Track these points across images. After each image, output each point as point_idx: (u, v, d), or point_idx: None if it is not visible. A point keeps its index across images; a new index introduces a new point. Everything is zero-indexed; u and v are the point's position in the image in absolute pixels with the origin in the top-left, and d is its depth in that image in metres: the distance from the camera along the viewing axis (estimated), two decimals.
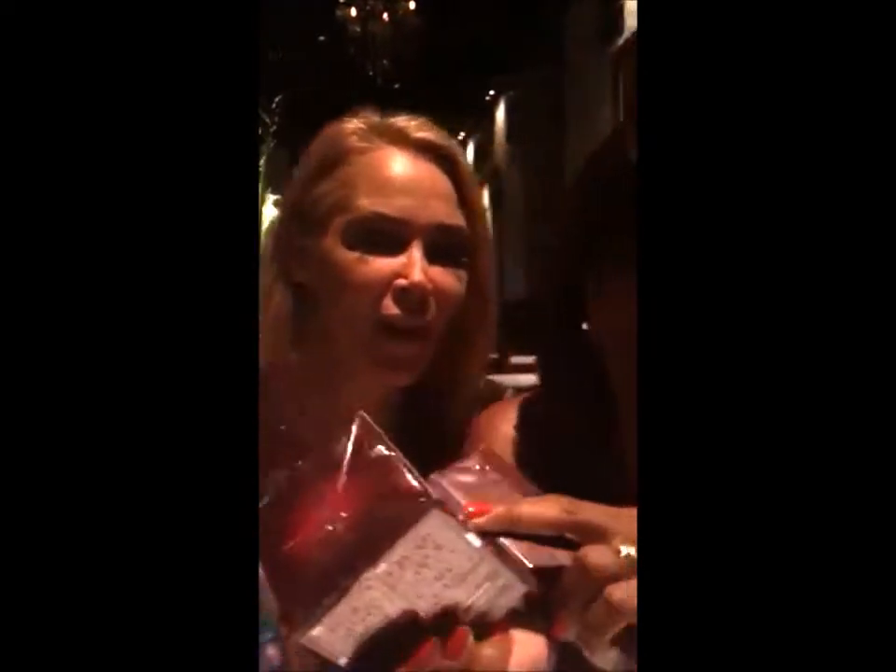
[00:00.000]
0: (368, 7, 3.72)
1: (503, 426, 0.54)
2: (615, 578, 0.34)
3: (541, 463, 0.50)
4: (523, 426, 0.54)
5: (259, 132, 2.45)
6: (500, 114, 6.19)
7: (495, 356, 0.68)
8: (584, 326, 0.49)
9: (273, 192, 2.55)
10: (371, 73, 4.02)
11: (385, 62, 4.00)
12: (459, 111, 6.73)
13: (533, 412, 0.54)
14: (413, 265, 0.50)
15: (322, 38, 4.27)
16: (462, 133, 7.53)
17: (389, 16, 3.79)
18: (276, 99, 2.71)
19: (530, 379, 0.57)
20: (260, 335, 0.53)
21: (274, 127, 2.61)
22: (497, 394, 0.62)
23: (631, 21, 3.70)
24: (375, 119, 0.58)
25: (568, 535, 0.37)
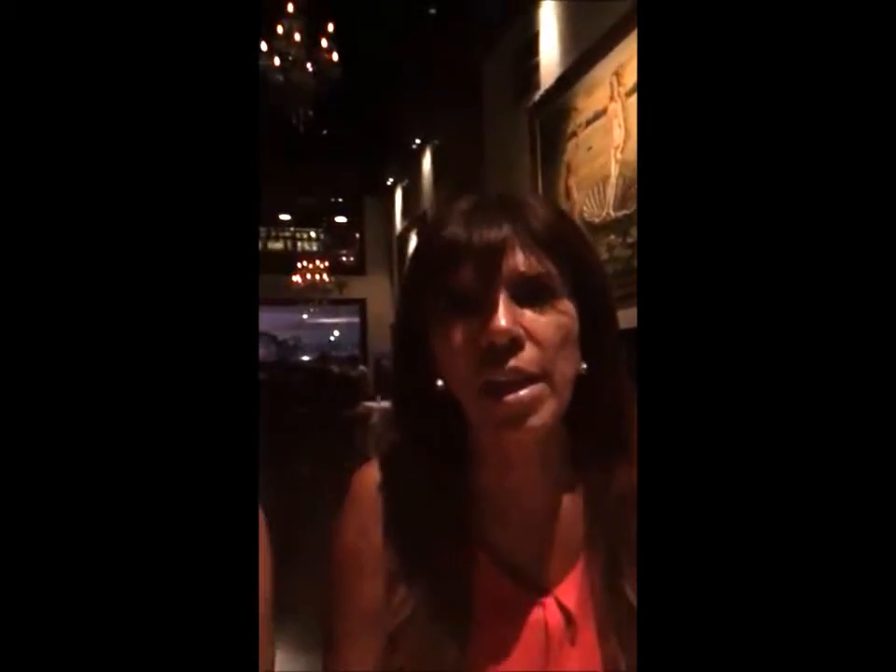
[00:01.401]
0: (290, 58, 3.78)
1: (372, 478, 0.57)
2: None
3: (408, 516, 0.55)
4: (387, 482, 0.57)
5: None
6: (426, 160, 6.33)
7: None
8: (439, 382, 0.53)
9: None
10: (294, 122, 4.05)
11: (308, 111, 4.04)
12: (386, 159, 6.88)
13: (394, 466, 0.57)
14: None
15: None
16: (391, 180, 7.66)
17: (312, 66, 3.85)
18: None
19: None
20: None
21: None
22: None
23: (547, 74, 3.90)
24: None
25: None
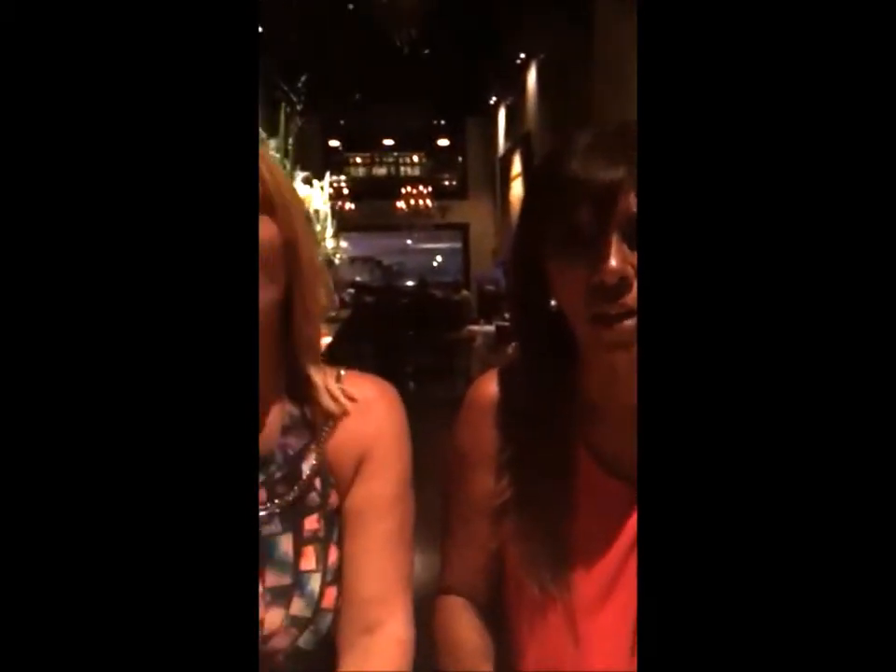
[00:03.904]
0: None
1: (490, 388, 0.66)
2: None
3: (521, 421, 0.63)
4: (505, 388, 0.65)
5: (288, 110, 2.50)
6: (531, 77, 6.09)
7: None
8: (553, 303, 0.60)
9: (302, 170, 2.61)
10: (398, 43, 4.01)
11: (411, 30, 3.99)
12: (490, 76, 6.66)
13: (513, 375, 0.65)
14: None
15: (351, 6, 4.28)
16: (494, 98, 7.44)
17: None
18: (302, 78, 2.74)
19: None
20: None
21: (301, 106, 2.65)
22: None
23: None
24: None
25: None
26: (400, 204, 8.12)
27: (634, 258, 0.54)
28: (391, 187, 8.28)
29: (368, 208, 8.04)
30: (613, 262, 0.53)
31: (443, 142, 8.75)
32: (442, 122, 8.56)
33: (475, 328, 5.49)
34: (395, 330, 6.19)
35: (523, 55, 6.02)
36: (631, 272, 0.54)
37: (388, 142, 8.72)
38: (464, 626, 0.64)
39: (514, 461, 0.62)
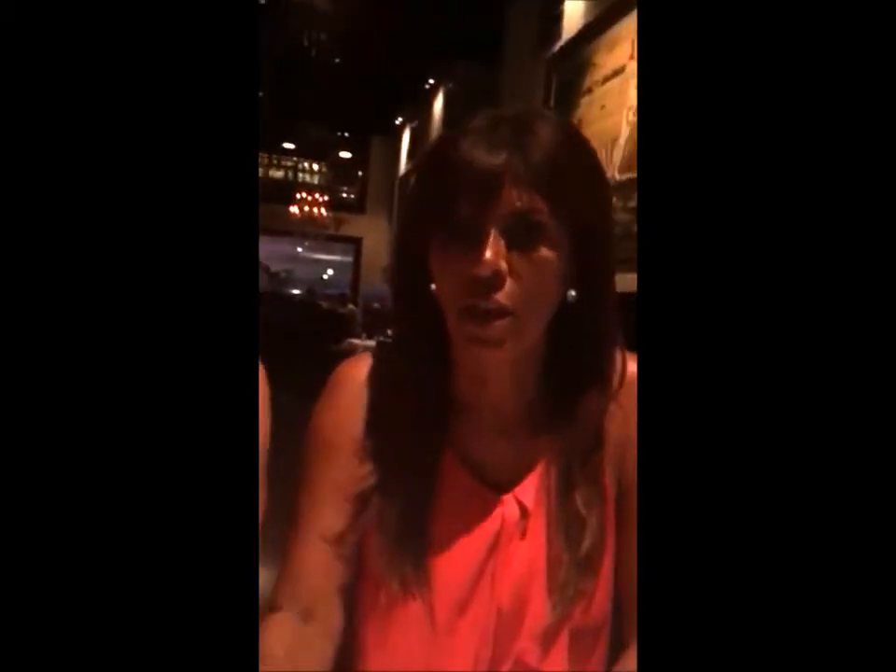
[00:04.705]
0: None
1: (360, 371, 0.62)
2: None
3: (388, 409, 0.59)
4: (375, 374, 0.62)
5: None
6: (438, 104, 6.20)
7: None
8: (432, 286, 0.56)
9: None
10: (305, 44, 3.95)
11: (321, 35, 3.94)
12: (398, 96, 6.73)
13: (383, 361, 0.62)
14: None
15: (263, 1, 4.17)
16: (399, 119, 7.51)
17: None
18: None
19: None
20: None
21: None
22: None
23: (569, 26, 3.80)
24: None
25: None
26: (294, 210, 7.92)
27: (516, 256, 0.52)
28: (286, 191, 8.06)
29: (261, 210, 7.77)
30: (488, 254, 0.51)
31: (345, 154, 8.68)
32: (346, 135, 8.50)
33: (357, 341, 5.43)
34: (276, 339, 5.98)
35: (432, 81, 6.13)
36: (505, 267, 0.52)
37: (288, 146, 8.53)
38: (283, 643, 0.55)
39: (378, 449, 0.59)
